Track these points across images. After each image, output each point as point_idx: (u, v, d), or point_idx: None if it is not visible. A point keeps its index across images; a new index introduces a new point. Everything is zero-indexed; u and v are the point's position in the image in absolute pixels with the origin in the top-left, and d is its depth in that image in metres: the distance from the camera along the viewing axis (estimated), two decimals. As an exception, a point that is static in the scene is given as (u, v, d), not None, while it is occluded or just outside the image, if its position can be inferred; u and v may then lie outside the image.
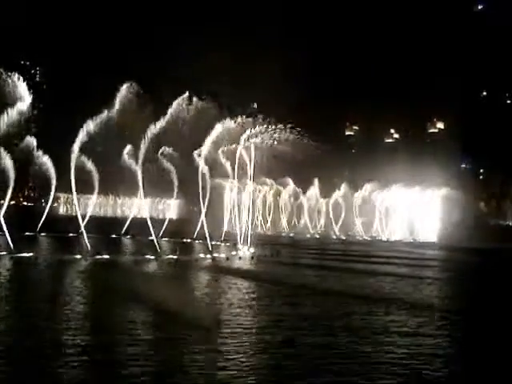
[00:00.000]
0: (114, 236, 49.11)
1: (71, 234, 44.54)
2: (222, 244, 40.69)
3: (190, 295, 20.60)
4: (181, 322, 15.28)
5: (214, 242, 40.52)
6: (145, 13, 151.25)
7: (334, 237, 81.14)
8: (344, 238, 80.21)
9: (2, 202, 34.41)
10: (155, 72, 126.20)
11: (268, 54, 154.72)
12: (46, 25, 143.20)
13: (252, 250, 41.96)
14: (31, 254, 31.11)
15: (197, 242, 45.24)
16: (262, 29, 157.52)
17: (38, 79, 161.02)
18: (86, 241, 34.49)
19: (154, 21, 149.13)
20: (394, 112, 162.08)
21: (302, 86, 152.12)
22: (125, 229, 49.95)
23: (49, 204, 49.89)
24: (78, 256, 31.42)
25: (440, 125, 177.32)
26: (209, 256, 36.03)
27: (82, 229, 36.76)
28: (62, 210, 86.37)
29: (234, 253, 39.48)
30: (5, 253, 30.94)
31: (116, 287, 21.54)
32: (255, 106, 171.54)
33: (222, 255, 37.21)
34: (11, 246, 31.45)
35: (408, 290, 25.04)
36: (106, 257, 32.11)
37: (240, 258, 37.31)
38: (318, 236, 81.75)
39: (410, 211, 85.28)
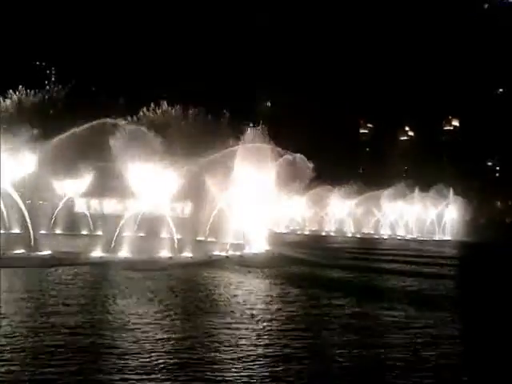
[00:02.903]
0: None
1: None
2: (233, 241, 40.55)
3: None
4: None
5: (225, 240, 40.46)
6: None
7: (350, 234, 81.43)
8: (359, 235, 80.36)
9: None
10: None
11: (279, 52, 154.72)
12: (60, 25, 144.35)
13: (266, 247, 41.92)
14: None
15: (208, 240, 45.22)
16: (277, 27, 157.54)
17: (53, 79, 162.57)
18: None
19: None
20: (408, 109, 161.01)
21: (315, 84, 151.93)
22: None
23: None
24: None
25: (455, 122, 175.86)
26: (223, 254, 36.15)
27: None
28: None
29: (247, 251, 39.46)
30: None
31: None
32: (269, 104, 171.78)
33: (237, 253, 37.28)
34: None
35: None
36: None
37: (255, 254, 37.40)
38: (333, 234, 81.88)
39: (423, 209, 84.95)
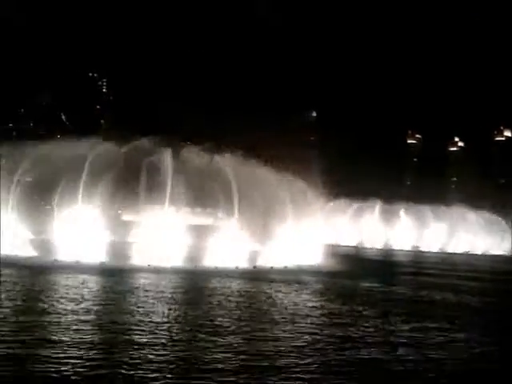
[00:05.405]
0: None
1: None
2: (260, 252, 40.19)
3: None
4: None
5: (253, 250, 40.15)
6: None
7: (380, 247, 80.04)
8: (393, 248, 78.79)
9: None
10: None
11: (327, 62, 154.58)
12: (113, 38, 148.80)
13: (296, 259, 41.33)
14: None
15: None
16: (324, 43, 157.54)
17: (104, 90, 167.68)
18: None
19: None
20: (458, 119, 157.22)
21: (363, 93, 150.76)
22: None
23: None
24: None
25: (507, 133, 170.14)
26: (251, 265, 35.87)
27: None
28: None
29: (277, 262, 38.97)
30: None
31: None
32: (314, 114, 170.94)
33: (265, 264, 36.88)
34: None
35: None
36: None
37: (286, 266, 36.86)
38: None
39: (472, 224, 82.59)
